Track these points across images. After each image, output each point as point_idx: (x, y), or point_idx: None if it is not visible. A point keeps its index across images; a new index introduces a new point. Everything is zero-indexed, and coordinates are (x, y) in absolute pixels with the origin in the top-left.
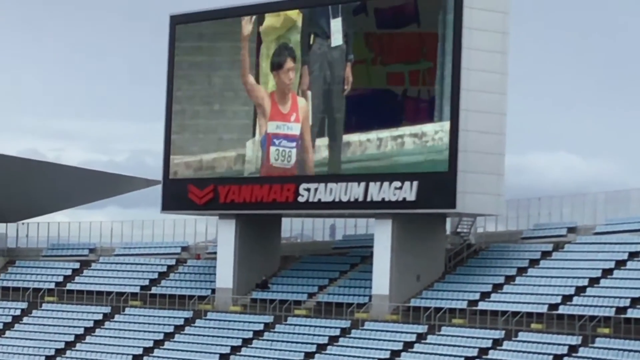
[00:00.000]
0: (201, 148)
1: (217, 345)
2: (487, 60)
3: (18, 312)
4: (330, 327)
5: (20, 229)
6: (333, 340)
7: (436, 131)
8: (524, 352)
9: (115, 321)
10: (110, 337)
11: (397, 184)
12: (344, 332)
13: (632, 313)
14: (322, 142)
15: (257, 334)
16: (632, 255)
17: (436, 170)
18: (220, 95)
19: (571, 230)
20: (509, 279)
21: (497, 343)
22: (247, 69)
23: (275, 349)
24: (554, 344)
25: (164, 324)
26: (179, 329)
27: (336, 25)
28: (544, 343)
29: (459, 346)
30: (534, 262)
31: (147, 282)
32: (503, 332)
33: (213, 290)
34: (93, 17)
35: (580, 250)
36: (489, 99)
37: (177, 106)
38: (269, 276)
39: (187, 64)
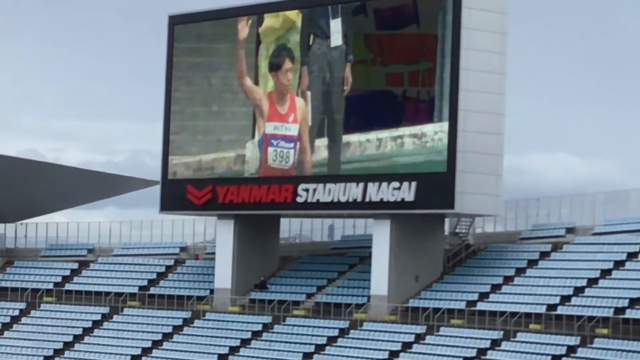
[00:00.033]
0: (200, 148)
1: (215, 345)
2: (485, 61)
3: (16, 313)
4: (329, 328)
5: (19, 229)
6: (332, 340)
7: (436, 132)
8: (522, 352)
9: (114, 321)
10: (109, 337)
11: (396, 184)
12: (343, 332)
13: (631, 313)
14: (322, 142)
15: (256, 335)
16: (631, 255)
17: (435, 171)
18: (219, 96)
19: (570, 230)
20: (508, 280)
21: (495, 343)
22: (244, 72)
23: (274, 350)
24: (552, 344)
25: (163, 325)
26: (177, 329)
27: (336, 26)
28: (542, 343)
29: (457, 347)
30: (532, 263)
31: (145, 283)
32: (501, 332)
33: (211, 291)
34: (92, 18)
35: (579, 251)
36: (487, 100)
37: (175, 107)
38: (267, 276)
39: (185, 64)
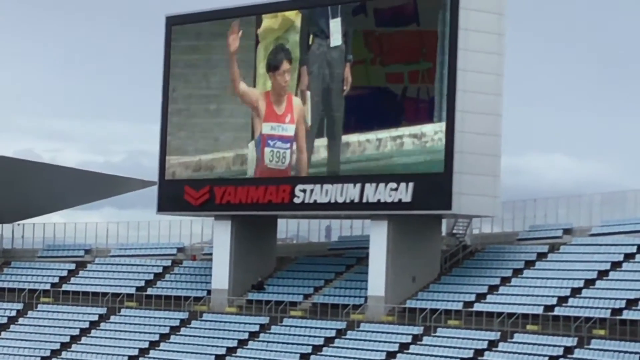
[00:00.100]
0: (199, 148)
1: (212, 346)
2: (483, 62)
3: (13, 313)
4: (326, 329)
5: (16, 229)
6: (329, 341)
7: (435, 132)
8: (519, 353)
9: (111, 322)
10: (106, 338)
11: (393, 185)
12: (340, 333)
13: (628, 315)
14: (321, 142)
15: (253, 335)
16: (628, 256)
17: (432, 172)
18: (217, 96)
19: (567, 231)
20: (505, 281)
21: (492, 344)
22: (236, 80)
23: (271, 350)
24: (549, 345)
25: (160, 325)
26: (174, 330)
27: (335, 26)
28: (539, 344)
29: (454, 347)
30: (529, 264)
31: (142, 283)
32: (499, 333)
33: (209, 292)
34: (91, 18)
35: (576, 252)
36: (485, 100)
37: (173, 107)
38: (264, 277)
39: (183, 64)
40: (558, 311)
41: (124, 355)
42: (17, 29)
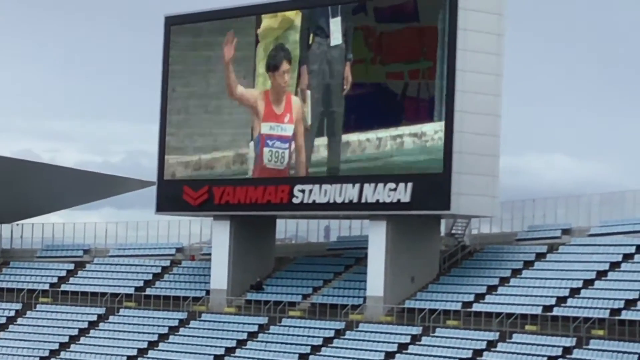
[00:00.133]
0: (199, 147)
1: (211, 346)
2: (482, 62)
3: (12, 313)
4: (325, 329)
5: (15, 229)
6: (327, 341)
7: (436, 131)
8: (518, 353)
9: (110, 322)
10: (105, 338)
11: (392, 185)
12: (339, 333)
13: (627, 315)
14: (321, 141)
15: (252, 335)
16: (627, 257)
17: (431, 172)
18: (216, 95)
19: (566, 232)
20: (504, 281)
21: (491, 345)
22: (233, 87)
23: (270, 350)
24: (548, 345)
25: (159, 325)
26: (173, 330)
27: (335, 25)
28: (538, 345)
29: (453, 348)
30: (528, 264)
31: (141, 283)
32: (497, 333)
33: (207, 292)
34: (90, 19)
35: (575, 252)
36: (483, 101)
37: (172, 107)
38: (263, 277)
39: (182, 64)
40: (557, 311)
41: (122, 356)
42: (17, 29)
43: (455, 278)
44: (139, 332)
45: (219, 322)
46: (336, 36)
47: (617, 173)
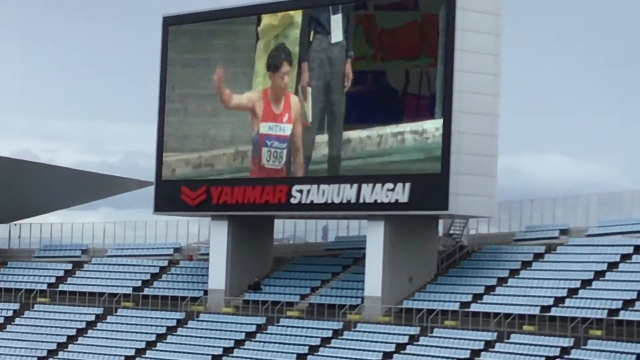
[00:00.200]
0: (199, 146)
1: (209, 346)
2: (479, 62)
3: (10, 313)
4: (323, 329)
5: (13, 229)
6: (325, 341)
7: (437, 128)
8: (516, 354)
9: (108, 322)
10: (103, 338)
11: (390, 185)
12: (336, 333)
13: (625, 315)
14: (322, 138)
15: (250, 336)
16: (625, 257)
17: (428, 172)
18: (214, 95)
19: (563, 232)
20: (502, 281)
21: (489, 345)
22: (229, 101)
23: (268, 351)
24: (546, 345)
25: (156, 325)
26: (171, 330)
27: (336, 22)
28: (536, 345)
29: (451, 348)
30: (526, 264)
31: (139, 283)
32: (495, 334)
33: (205, 292)
34: (90, 19)
35: (573, 252)
36: (481, 101)
37: (171, 106)
38: (261, 277)
39: (180, 64)
40: (555, 311)
41: (120, 356)
42: (17, 29)
43: (453, 278)
44: (136, 332)
45: (217, 322)
46: (337, 33)
47: (615, 173)
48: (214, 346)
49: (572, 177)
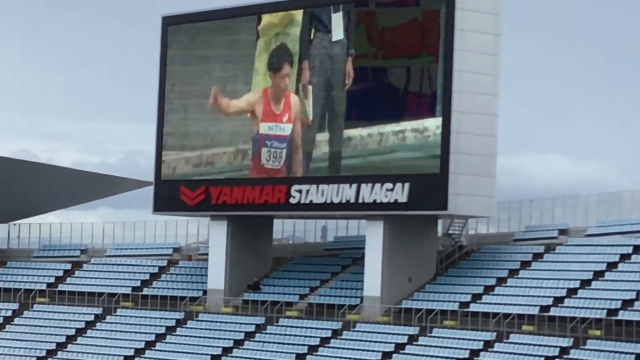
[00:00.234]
0: (200, 144)
1: (208, 346)
2: (479, 62)
3: (9, 313)
4: (322, 329)
5: (12, 229)
6: (324, 341)
7: (437, 126)
8: (515, 354)
9: (107, 322)
10: (102, 338)
11: (389, 185)
12: (336, 333)
13: (624, 315)
14: (323, 137)
15: (249, 335)
16: (624, 257)
17: (428, 172)
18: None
19: (563, 232)
20: (501, 281)
21: (488, 345)
22: (227, 109)
23: (267, 351)
24: (545, 345)
25: (156, 325)
26: (170, 330)
27: (337, 20)
28: (535, 345)
29: (450, 348)
30: (525, 264)
31: (138, 283)
32: (494, 334)
33: (204, 292)
34: (89, 19)
35: (572, 252)
36: (480, 101)
37: (170, 105)
38: (260, 277)
39: (179, 63)
40: (554, 311)
41: (119, 355)
42: (17, 29)
43: (453, 278)
44: (136, 332)
45: (216, 322)
46: (338, 31)
47: (614, 173)
48: (213, 346)
49: (572, 177)
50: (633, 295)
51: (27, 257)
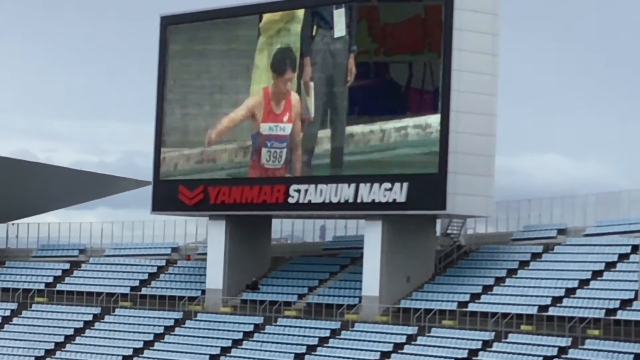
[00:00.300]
0: (200, 142)
1: (207, 346)
2: (477, 62)
3: (8, 313)
4: (320, 329)
5: (11, 229)
6: (323, 341)
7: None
8: (513, 353)
9: (105, 322)
10: (100, 337)
11: (387, 185)
12: (334, 333)
13: (622, 315)
14: (325, 133)
15: (247, 335)
16: (622, 257)
17: (426, 172)
18: (212, 94)
19: (561, 231)
20: (499, 281)
21: (486, 344)
22: (227, 122)
23: (265, 350)
24: (543, 345)
25: (154, 325)
26: (168, 329)
27: (339, 16)
28: (533, 344)
29: (448, 347)
30: (524, 264)
31: (137, 283)
32: (493, 333)
33: (203, 291)
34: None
35: (570, 252)
36: (479, 101)
37: (170, 103)
38: (259, 277)
39: (178, 63)
40: (552, 311)
41: (118, 355)
42: (17, 29)
43: (451, 278)
44: (134, 332)
45: (215, 321)
46: (340, 27)
47: (612, 173)
48: (211, 346)
49: (570, 176)
50: (631, 295)
51: (25, 257)
